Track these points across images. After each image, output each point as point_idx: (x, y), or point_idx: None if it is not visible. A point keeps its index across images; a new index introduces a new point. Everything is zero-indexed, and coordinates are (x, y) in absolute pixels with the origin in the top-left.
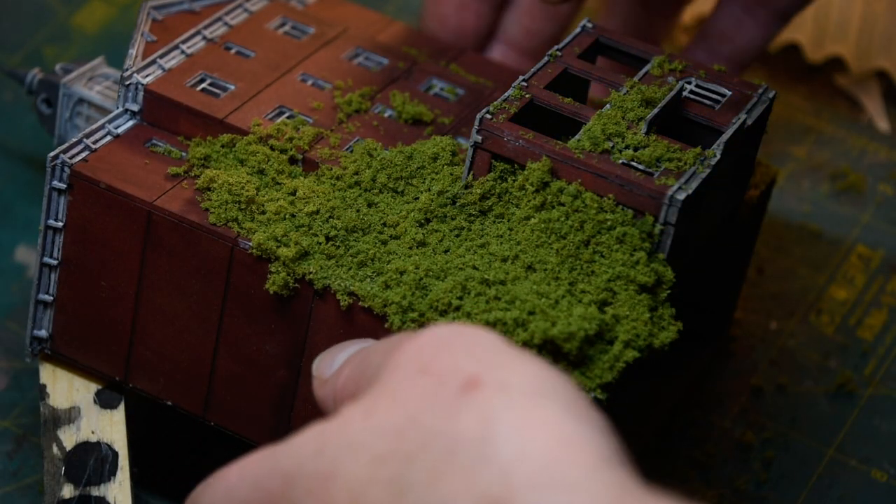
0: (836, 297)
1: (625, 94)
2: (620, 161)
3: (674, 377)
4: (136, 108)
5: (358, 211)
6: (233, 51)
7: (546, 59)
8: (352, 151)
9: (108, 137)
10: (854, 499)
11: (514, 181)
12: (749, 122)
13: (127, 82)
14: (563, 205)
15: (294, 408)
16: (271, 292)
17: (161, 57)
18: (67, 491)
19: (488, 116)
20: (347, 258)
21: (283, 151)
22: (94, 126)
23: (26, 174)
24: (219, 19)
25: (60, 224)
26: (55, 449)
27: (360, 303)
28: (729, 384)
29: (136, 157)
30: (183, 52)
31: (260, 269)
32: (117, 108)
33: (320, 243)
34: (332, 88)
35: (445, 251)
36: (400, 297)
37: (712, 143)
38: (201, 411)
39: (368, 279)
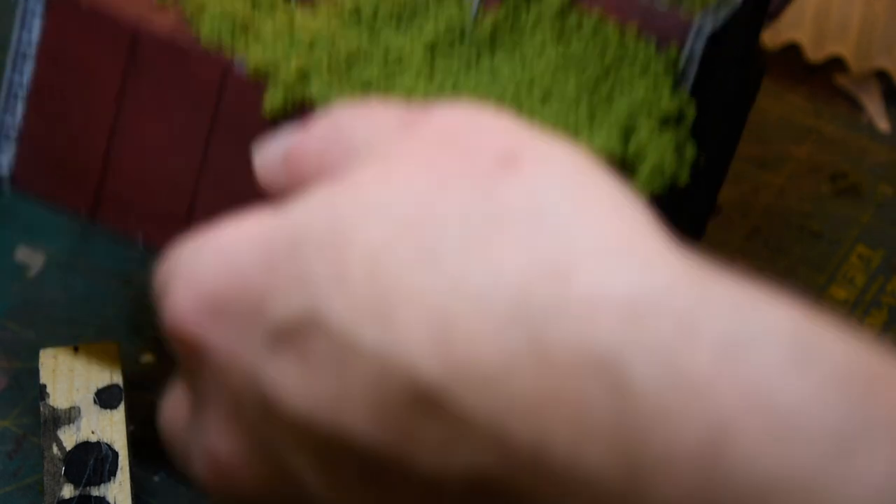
0: (836, 297)
1: None
2: None
3: None
4: None
5: (360, 42)
6: None
7: None
8: None
9: None
10: None
11: (529, 12)
12: None
13: None
14: (582, 37)
15: None
16: (269, 117)
17: None
18: (67, 491)
19: None
20: (352, 81)
21: None
22: None
23: None
24: None
25: (33, 51)
26: (55, 449)
27: None
28: None
29: None
30: None
31: (254, 95)
32: None
33: (321, 65)
34: None
35: (454, 84)
36: None
37: None
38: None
39: None
